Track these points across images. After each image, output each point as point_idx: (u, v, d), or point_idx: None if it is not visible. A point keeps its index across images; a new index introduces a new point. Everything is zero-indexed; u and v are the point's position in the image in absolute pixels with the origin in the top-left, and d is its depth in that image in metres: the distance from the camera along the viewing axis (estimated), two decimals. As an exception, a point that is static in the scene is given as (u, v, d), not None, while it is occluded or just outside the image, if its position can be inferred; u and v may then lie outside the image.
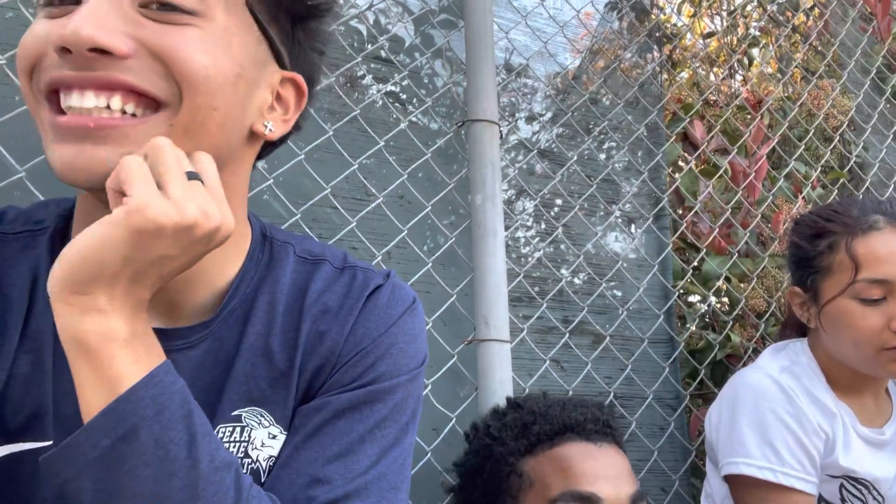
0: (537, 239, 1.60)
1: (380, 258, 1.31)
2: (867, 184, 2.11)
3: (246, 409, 0.58)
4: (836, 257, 1.15)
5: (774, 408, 1.11)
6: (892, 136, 2.23)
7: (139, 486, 0.46)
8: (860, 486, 1.13)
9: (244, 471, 0.57)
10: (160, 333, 0.56)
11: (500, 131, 1.51)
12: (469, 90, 1.46)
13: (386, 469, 0.58)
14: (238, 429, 0.58)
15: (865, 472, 1.13)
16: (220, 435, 0.57)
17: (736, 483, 1.13)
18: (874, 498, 1.14)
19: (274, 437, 0.59)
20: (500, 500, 1.01)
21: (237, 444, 0.57)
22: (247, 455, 0.58)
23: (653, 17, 2.02)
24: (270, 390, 0.59)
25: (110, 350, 0.47)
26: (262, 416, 0.59)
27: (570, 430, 0.98)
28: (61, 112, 0.49)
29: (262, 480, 0.58)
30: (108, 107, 0.49)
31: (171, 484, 0.46)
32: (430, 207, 1.38)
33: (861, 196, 1.59)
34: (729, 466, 1.13)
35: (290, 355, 0.60)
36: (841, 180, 2.09)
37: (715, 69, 2.65)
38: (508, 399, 1.12)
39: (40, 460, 0.47)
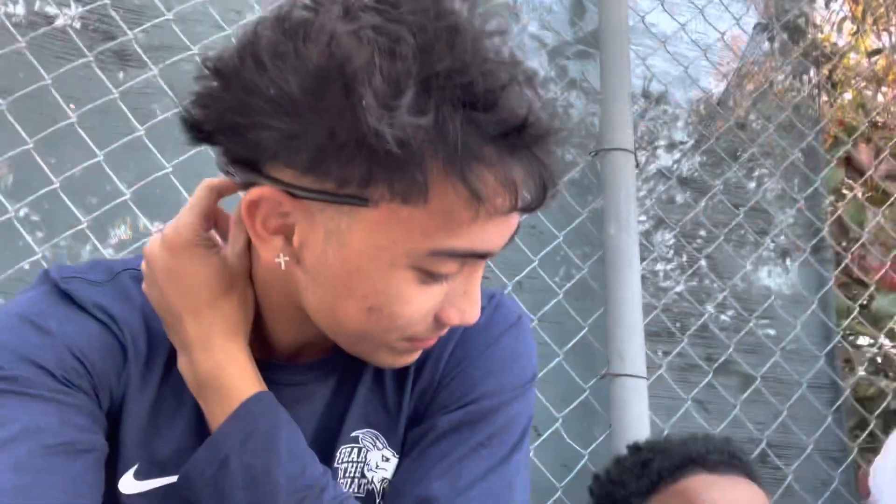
0: (678, 272, 1.52)
1: (510, 288, 1.31)
2: None
3: (362, 431, 0.62)
4: None
5: None
6: None
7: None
8: None
9: (360, 491, 0.61)
10: (292, 368, 0.62)
11: (637, 160, 1.46)
12: (604, 119, 1.44)
13: (492, 486, 0.58)
14: (356, 450, 0.61)
15: None
16: (340, 455, 0.61)
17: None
18: None
19: (387, 459, 0.61)
20: (630, 547, 0.95)
21: (355, 465, 0.61)
22: (363, 476, 0.61)
23: (809, 36, 1.88)
24: (384, 414, 0.62)
25: (205, 395, 0.57)
26: (376, 437, 0.62)
27: (693, 463, 0.91)
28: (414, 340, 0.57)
29: (378, 501, 0.60)
30: None
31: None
32: (561, 238, 1.36)
33: None
34: None
35: (401, 382, 0.63)
36: None
37: (884, 88, 2.41)
38: (628, 446, 1.06)
39: (179, 479, 0.56)
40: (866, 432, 1.46)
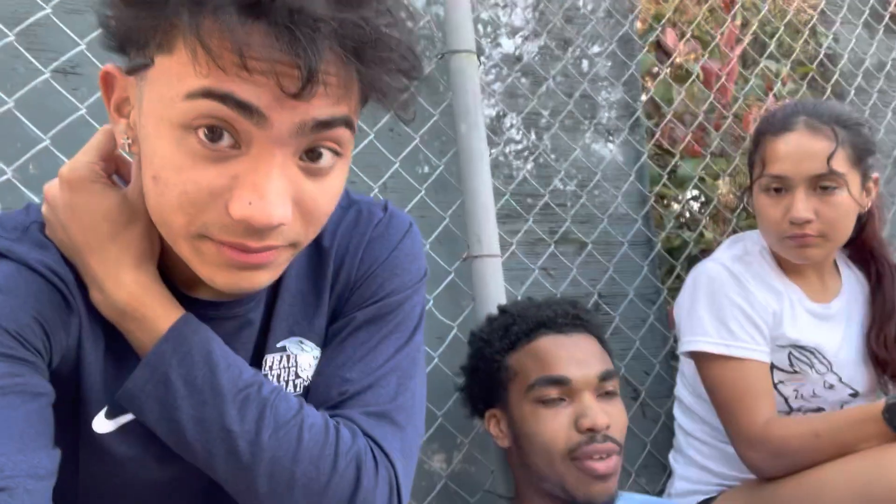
0: (521, 158, 1.71)
1: (377, 190, 1.44)
2: (836, 75, 2.19)
3: (288, 340, 0.71)
4: (758, 153, 1.31)
5: (727, 292, 1.28)
6: (860, 25, 2.29)
7: (185, 412, 0.60)
8: (806, 353, 1.31)
9: (297, 390, 0.70)
10: (219, 305, 0.66)
11: (480, 60, 1.59)
12: (447, 21, 1.53)
13: (400, 362, 0.69)
14: (285, 356, 0.70)
15: (810, 341, 1.31)
16: (270, 363, 0.70)
17: (698, 359, 1.31)
18: (819, 362, 1.32)
19: (317, 357, 0.71)
20: (494, 392, 1.19)
21: (287, 370, 0.70)
22: (297, 376, 0.71)
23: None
24: (305, 320, 0.71)
25: (126, 325, 0.61)
26: (302, 343, 0.71)
27: (544, 326, 1.14)
28: (222, 245, 0.55)
29: None
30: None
31: (204, 408, 0.60)
32: (418, 139, 1.49)
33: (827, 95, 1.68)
34: (689, 344, 1.31)
35: (319, 291, 0.71)
36: (810, 74, 2.17)
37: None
38: (498, 306, 1.28)
39: (119, 395, 0.61)
40: (674, 276, 1.80)
